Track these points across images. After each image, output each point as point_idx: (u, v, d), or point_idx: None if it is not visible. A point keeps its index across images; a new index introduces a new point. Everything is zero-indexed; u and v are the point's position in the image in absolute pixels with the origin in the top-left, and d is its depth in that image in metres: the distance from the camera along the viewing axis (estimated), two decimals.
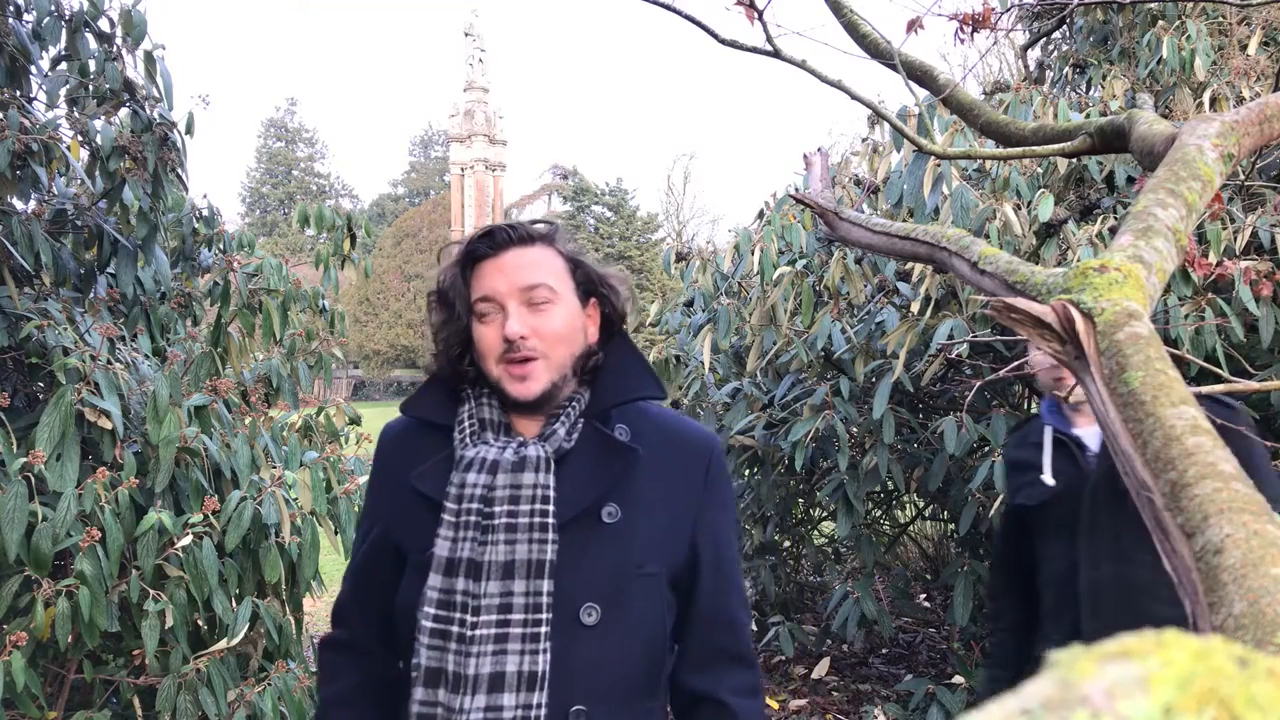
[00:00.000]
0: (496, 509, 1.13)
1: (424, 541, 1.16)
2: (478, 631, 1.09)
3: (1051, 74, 5.14)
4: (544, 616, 1.09)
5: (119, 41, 2.60)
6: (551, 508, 1.13)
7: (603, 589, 1.13)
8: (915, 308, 2.90)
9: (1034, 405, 3.52)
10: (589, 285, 1.27)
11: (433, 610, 1.12)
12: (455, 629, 1.10)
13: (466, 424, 1.22)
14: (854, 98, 2.12)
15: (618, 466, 1.18)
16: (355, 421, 2.97)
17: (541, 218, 1.30)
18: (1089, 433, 1.82)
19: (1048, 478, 1.77)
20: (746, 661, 1.23)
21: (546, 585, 1.10)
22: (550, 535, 1.12)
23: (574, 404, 1.22)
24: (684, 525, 1.21)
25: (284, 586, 2.46)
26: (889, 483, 3.73)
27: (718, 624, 1.22)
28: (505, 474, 1.14)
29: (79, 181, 2.61)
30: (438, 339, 1.26)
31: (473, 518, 1.13)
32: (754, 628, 3.99)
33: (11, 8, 2.46)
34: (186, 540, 2.16)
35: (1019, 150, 2.00)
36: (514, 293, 1.19)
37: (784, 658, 4.13)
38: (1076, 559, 1.73)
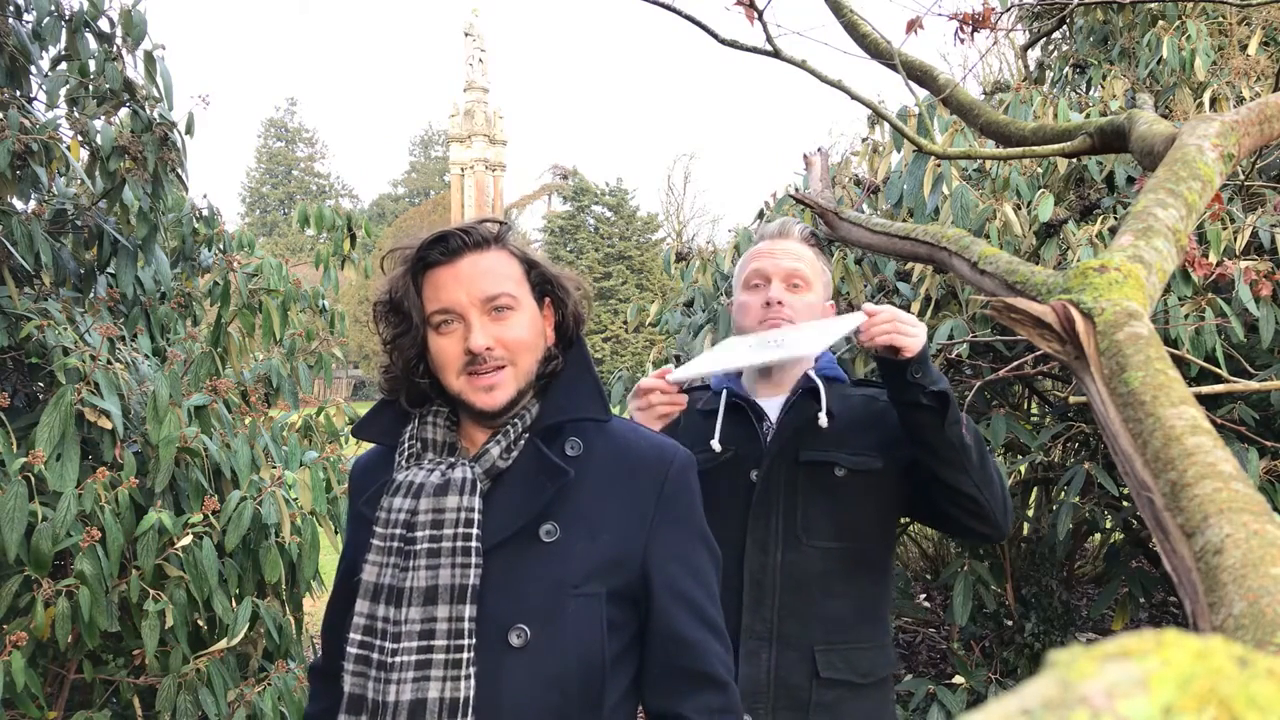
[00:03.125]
0: (418, 534, 1.10)
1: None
2: (398, 659, 1.06)
3: (1051, 74, 5.13)
4: (467, 643, 1.07)
5: (119, 41, 2.60)
6: (476, 531, 1.10)
7: (534, 609, 1.10)
8: (915, 308, 2.89)
9: (1034, 405, 3.52)
10: (543, 286, 1.24)
11: (357, 636, 1.10)
12: (376, 655, 1.08)
13: (406, 446, 1.20)
14: (854, 98, 2.12)
15: (550, 489, 1.14)
16: (355, 421, 2.97)
17: (491, 217, 1.26)
18: (771, 402, 1.66)
19: (715, 444, 1.58)
20: (715, 682, 1.17)
21: (469, 610, 1.07)
22: (474, 559, 1.09)
23: (519, 419, 1.19)
24: (633, 545, 1.16)
25: (284, 586, 2.46)
26: None
27: (674, 644, 1.16)
28: (428, 498, 1.12)
29: (79, 181, 2.62)
30: (391, 351, 1.21)
31: (395, 543, 1.11)
32: None
33: (11, 8, 2.46)
34: (186, 540, 2.16)
35: (1019, 150, 2.00)
36: (475, 304, 1.16)
37: None
38: (742, 540, 1.55)
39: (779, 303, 1.63)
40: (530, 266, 1.24)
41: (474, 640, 1.07)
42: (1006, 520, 1.56)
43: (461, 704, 1.05)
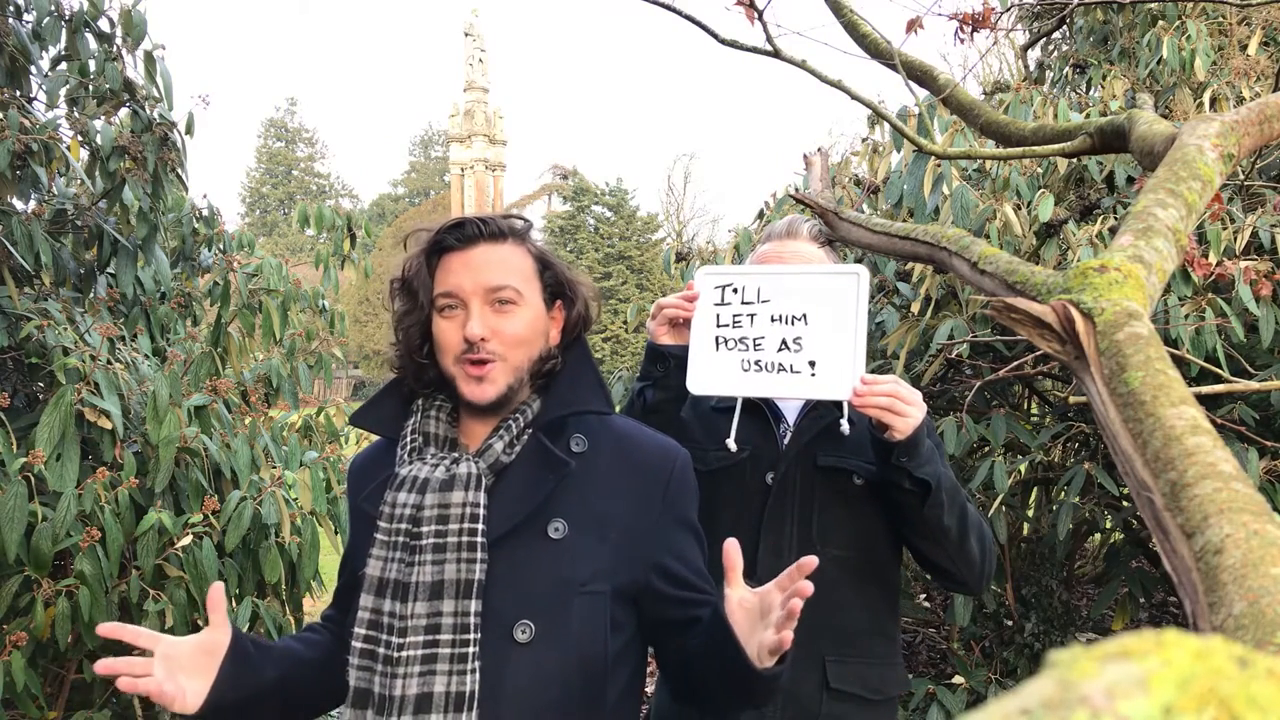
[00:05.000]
0: (424, 529, 1.11)
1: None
2: (404, 653, 1.07)
3: (1051, 74, 5.14)
4: (472, 637, 1.08)
5: (119, 41, 2.60)
6: (481, 526, 1.11)
7: (539, 605, 1.11)
8: (915, 308, 2.89)
9: (1034, 405, 3.51)
10: (556, 288, 1.25)
11: (362, 631, 1.11)
12: (382, 650, 1.09)
13: (408, 439, 1.21)
14: (854, 98, 2.12)
15: (551, 481, 1.15)
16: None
17: (515, 214, 1.28)
18: (789, 404, 1.64)
19: (731, 443, 1.55)
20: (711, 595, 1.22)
21: (474, 605, 1.08)
22: (479, 555, 1.10)
23: (520, 414, 1.20)
24: (639, 543, 1.18)
25: (284, 586, 2.46)
26: None
27: (674, 605, 1.20)
28: (434, 493, 1.12)
29: (79, 181, 2.62)
30: (398, 328, 1.24)
31: (400, 538, 1.12)
32: None
33: (11, 8, 2.46)
34: (186, 540, 2.16)
35: (1019, 150, 2.00)
36: (479, 291, 1.17)
37: None
38: (756, 544, 1.52)
39: None
40: (545, 266, 1.25)
41: (479, 635, 1.08)
42: (981, 584, 1.56)
43: (467, 697, 1.06)
